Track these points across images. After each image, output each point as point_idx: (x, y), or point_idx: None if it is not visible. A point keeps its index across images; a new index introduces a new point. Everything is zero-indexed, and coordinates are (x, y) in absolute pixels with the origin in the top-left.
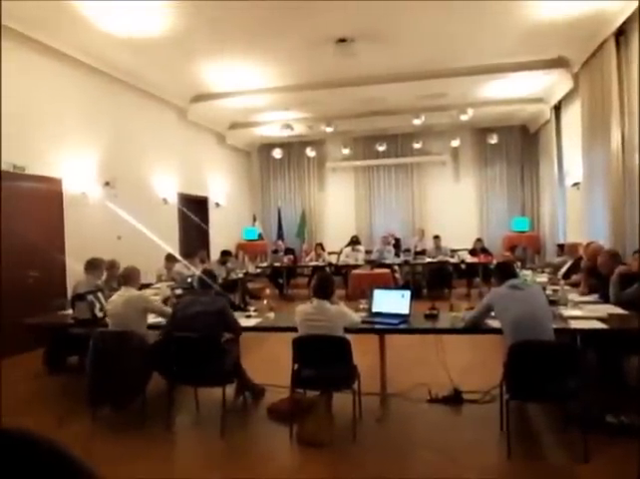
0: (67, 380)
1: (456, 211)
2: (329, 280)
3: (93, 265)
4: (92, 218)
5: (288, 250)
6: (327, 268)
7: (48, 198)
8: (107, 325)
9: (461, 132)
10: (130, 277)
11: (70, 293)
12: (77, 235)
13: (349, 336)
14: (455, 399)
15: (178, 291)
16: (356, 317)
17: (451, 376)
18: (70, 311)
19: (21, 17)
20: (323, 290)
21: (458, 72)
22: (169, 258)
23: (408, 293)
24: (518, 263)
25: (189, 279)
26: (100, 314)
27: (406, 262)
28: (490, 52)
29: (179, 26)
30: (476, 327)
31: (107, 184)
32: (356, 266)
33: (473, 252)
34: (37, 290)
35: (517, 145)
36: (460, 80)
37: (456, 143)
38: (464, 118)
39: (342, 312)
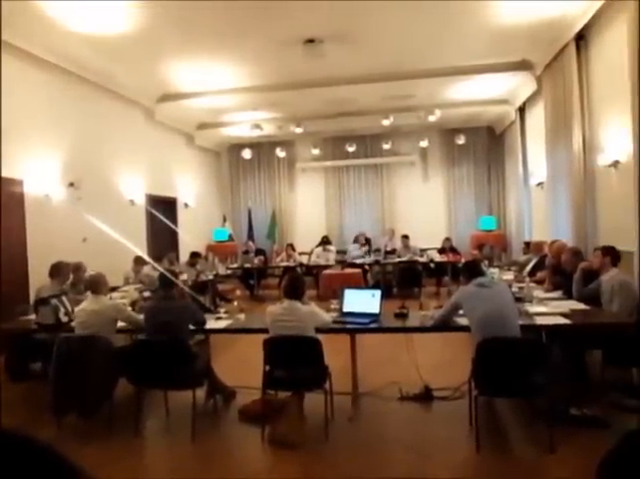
0: (30, 388)
1: (425, 210)
2: (300, 281)
3: (57, 269)
4: (55, 220)
5: (259, 251)
6: (298, 269)
7: (8, 199)
8: (72, 330)
9: (429, 132)
10: (97, 284)
11: (33, 298)
12: (40, 237)
13: (320, 336)
14: (425, 396)
15: (147, 294)
16: (327, 317)
17: (421, 374)
18: (33, 316)
19: None
20: (294, 291)
21: (425, 73)
22: (138, 261)
23: (378, 293)
24: (486, 262)
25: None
26: (64, 319)
27: (376, 262)
28: (457, 54)
29: (146, 25)
30: (444, 325)
31: (71, 185)
32: (327, 267)
33: (441, 251)
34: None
35: (484, 145)
36: (427, 81)
37: (424, 143)
38: (431, 119)
39: (313, 312)
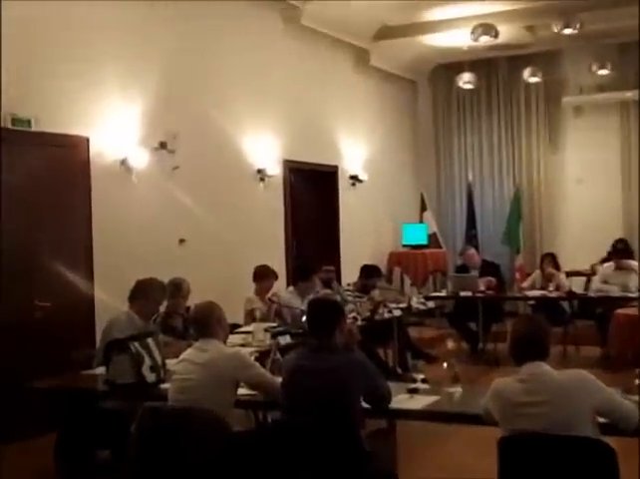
0: None
1: None
2: (539, 328)
3: (143, 291)
4: (137, 205)
5: (487, 266)
6: (563, 304)
7: (65, 168)
8: (163, 397)
9: None
10: (207, 322)
11: (99, 338)
12: (112, 231)
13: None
14: None
15: (286, 340)
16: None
17: None
18: (100, 370)
19: None
20: (531, 347)
21: None
22: (259, 276)
23: None
24: None
25: (305, 318)
26: (151, 377)
27: None
28: None
29: None
30: None
31: (161, 145)
32: (624, 300)
33: None
34: (48, 331)
35: None
36: None
37: None
38: None
39: (583, 378)
